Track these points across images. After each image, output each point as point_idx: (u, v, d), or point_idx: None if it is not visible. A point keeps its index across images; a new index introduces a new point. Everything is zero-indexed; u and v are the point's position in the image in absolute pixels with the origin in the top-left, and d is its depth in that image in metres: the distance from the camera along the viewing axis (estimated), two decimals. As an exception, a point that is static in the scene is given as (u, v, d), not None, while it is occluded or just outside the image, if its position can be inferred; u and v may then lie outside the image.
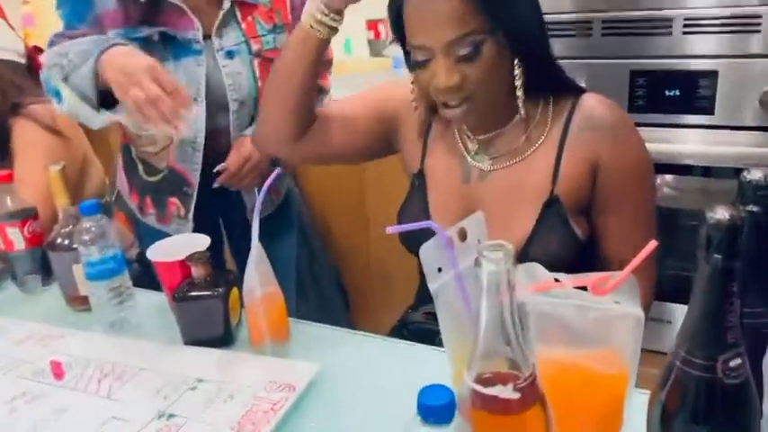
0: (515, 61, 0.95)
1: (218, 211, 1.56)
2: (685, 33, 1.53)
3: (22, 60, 2.29)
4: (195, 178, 1.42)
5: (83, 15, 1.29)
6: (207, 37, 1.35)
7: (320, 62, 1.05)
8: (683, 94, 1.57)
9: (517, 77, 0.96)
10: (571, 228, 1.00)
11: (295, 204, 1.78)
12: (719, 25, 1.51)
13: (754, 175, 0.59)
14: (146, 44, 1.28)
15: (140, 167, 1.46)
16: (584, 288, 0.68)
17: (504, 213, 1.02)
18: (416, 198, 1.12)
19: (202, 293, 0.98)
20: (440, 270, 0.73)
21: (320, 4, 0.98)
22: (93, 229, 1.04)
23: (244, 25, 1.37)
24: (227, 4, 1.34)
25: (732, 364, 0.54)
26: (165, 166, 1.42)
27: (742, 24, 1.49)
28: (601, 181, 1.00)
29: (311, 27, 1.00)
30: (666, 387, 0.57)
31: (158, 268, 1.07)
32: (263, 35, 1.38)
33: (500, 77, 0.96)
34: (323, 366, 0.92)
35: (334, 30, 1.01)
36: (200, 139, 1.38)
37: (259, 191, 1.07)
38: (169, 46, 1.31)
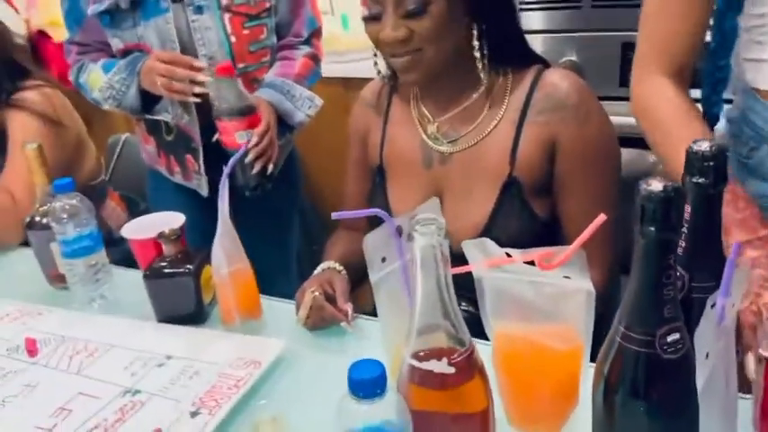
0: (473, 27, 0.94)
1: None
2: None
3: (22, 42, 2.30)
4: (196, 133, 1.44)
5: (79, 20, 1.44)
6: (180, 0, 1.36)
7: None
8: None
9: (474, 41, 0.94)
10: (531, 209, 0.99)
11: (296, 174, 1.75)
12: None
13: (701, 145, 0.57)
14: (114, 13, 1.35)
15: (163, 127, 1.49)
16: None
17: (465, 196, 1.01)
18: (378, 194, 1.11)
19: (173, 271, 0.98)
20: (384, 261, 0.72)
21: None
22: (66, 207, 1.05)
23: None
24: None
25: (670, 338, 0.53)
26: (174, 124, 1.46)
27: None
28: (559, 163, 0.98)
29: None
30: (608, 362, 0.57)
31: (133, 246, 1.08)
32: None
33: (452, 39, 0.94)
34: (291, 343, 0.92)
35: None
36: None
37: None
38: (138, 9, 1.35)
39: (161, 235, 0.99)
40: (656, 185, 0.49)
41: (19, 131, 1.44)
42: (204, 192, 1.50)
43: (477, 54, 0.96)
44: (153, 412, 0.82)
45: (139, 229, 1.08)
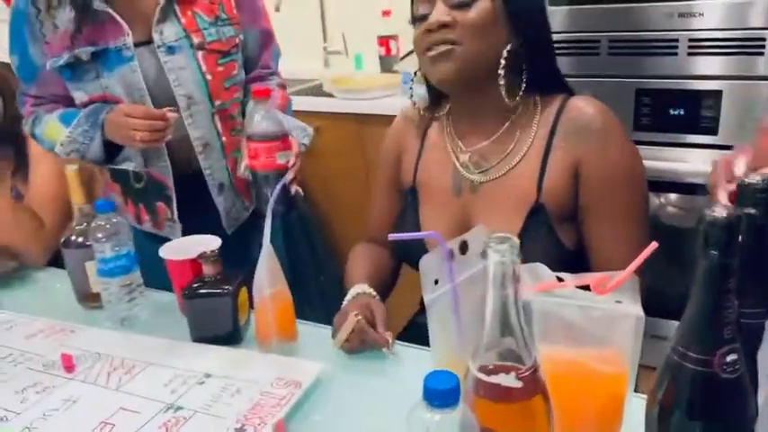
0: (509, 44, 0.99)
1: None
2: (690, 54, 1.56)
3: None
4: (170, 179, 1.42)
5: (33, 74, 1.38)
6: (146, 43, 1.34)
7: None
8: (687, 113, 1.60)
9: (502, 57, 0.98)
10: (556, 236, 1.01)
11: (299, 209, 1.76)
12: (725, 47, 1.54)
13: (753, 178, 0.61)
14: (75, 66, 1.32)
15: (131, 176, 1.46)
16: (587, 288, 0.70)
17: (491, 223, 1.03)
18: (409, 214, 1.15)
19: (212, 291, 1.00)
20: (436, 282, 0.74)
21: None
22: (107, 226, 1.07)
23: (184, 20, 1.35)
24: (162, 0, 1.33)
25: (728, 359, 0.55)
26: (144, 171, 1.43)
27: (747, 47, 1.52)
28: (583, 186, 1.01)
29: None
30: (664, 382, 0.59)
31: (170, 266, 1.10)
32: (204, 28, 1.37)
33: (488, 43, 0.98)
34: (328, 365, 0.94)
35: None
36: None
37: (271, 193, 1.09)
38: (100, 60, 1.32)
39: (202, 255, 1.01)
40: (720, 211, 0.53)
41: (40, 149, 1.46)
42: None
43: (502, 72, 0.98)
44: (197, 428, 0.83)
45: (176, 251, 1.10)
